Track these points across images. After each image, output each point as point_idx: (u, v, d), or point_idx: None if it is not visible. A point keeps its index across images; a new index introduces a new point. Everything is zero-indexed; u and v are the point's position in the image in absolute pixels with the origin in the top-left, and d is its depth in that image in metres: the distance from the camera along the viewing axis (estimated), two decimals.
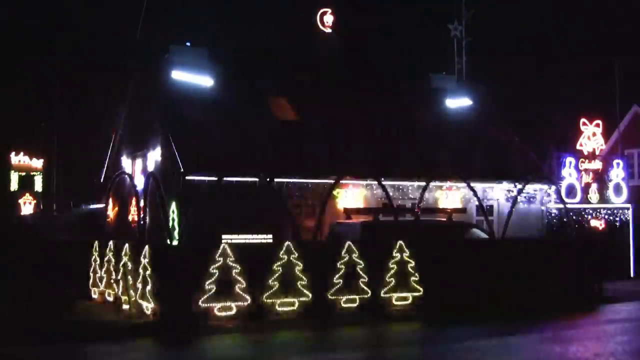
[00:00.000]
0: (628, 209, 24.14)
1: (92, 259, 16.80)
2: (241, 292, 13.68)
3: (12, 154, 44.54)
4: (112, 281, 15.51)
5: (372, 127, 23.76)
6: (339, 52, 25.67)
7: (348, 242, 14.89)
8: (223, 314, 13.60)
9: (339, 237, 17.37)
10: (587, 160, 23.92)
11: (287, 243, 14.35)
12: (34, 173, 44.75)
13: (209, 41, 22.62)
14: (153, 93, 22.07)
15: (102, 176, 26.83)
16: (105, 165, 26.60)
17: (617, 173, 24.32)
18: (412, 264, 15.39)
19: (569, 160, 23.49)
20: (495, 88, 30.42)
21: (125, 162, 25.08)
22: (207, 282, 13.43)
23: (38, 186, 44.66)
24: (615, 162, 24.65)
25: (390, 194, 16.79)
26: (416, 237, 15.74)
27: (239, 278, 13.65)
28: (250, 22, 25.29)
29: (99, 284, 16.36)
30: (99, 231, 19.05)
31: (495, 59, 35.51)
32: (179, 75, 21.92)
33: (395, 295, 15.23)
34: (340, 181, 16.61)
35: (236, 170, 16.41)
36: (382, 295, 15.09)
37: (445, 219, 18.65)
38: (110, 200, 21.80)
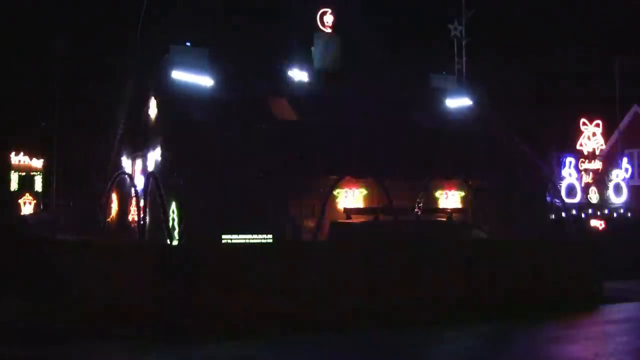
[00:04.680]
0: (628, 208, 24.14)
1: (92, 259, 16.77)
2: (241, 293, 13.66)
3: (12, 154, 44.51)
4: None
5: (372, 127, 23.75)
6: (338, 51, 25.67)
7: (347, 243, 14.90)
8: (223, 314, 13.57)
9: (338, 237, 17.39)
10: (587, 160, 23.93)
11: (287, 243, 14.36)
12: (34, 173, 44.71)
13: (209, 41, 22.63)
14: (153, 93, 22.06)
15: (102, 176, 26.82)
16: (105, 165, 26.60)
17: (617, 173, 24.32)
18: (412, 264, 15.37)
19: (569, 160, 23.50)
20: (496, 88, 30.45)
21: (125, 162, 25.09)
22: (207, 282, 13.42)
23: (38, 186, 44.62)
24: (615, 162, 24.68)
25: (390, 194, 16.77)
26: (416, 238, 15.75)
27: (239, 278, 13.63)
28: (250, 21, 25.31)
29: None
30: (99, 231, 19.02)
31: (495, 59, 35.52)
32: (179, 75, 21.93)
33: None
34: (340, 181, 16.59)
35: (236, 170, 16.40)
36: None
37: (445, 219, 18.65)
38: (110, 200, 21.80)
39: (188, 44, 23.51)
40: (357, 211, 18.79)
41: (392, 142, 23.51)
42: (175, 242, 14.70)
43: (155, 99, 21.64)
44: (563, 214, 19.94)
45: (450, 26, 28.44)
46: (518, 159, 24.87)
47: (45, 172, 42.28)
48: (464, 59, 28.39)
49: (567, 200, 21.27)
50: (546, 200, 24.32)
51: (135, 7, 24.63)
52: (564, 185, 22.95)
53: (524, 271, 16.94)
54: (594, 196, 23.63)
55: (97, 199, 27.10)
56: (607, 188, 24.01)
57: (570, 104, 33.62)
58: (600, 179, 24.04)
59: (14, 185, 43.95)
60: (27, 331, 13.15)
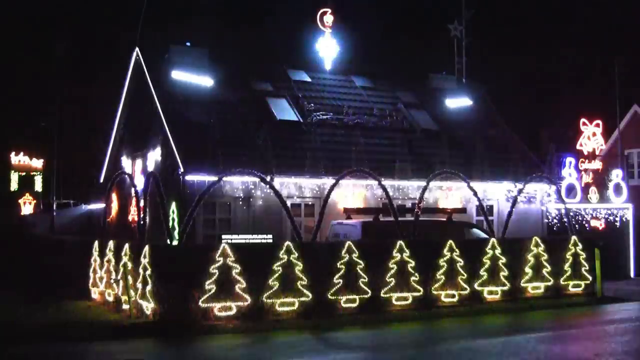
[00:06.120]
0: (628, 209, 24.13)
1: (92, 259, 16.80)
2: (241, 292, 13.67)
3: (12, 154, 44.54)
4: (112, 281, 15.50)
5: (372, 127, 23.77)
6: (338, 51, 25.69)
7: (348, 242, 14.89)
8: (223, 314, 13.59)
9: (339, 237, 17.38)
10: (587, 160, 23.90)
11: (287, 243, 14.37)
12: (34, 173, 44.76)
13: (209, 41, 22.64)
14: (153, 93, 22.04)
15: (102, 176, 26.82)
16: (105, 165, 26.59)
17: (617, 173, 24.30)
18: (412, 264, 15.38)
19: (569, 160, 23.46)
20: (496, 88, 30.46)
21: (125, 162, 25.08)
22: (206, 282, 13.42)
23: (38, 186, 44.67)
24: (615, 162, 24.68)
25: (390, 194, 16.78)
26: (416, 237, 15.75)
27: (239, 278, 13.64)
28: (250, 22, 25.31)
29: (99, 284, 16.35)
30: (99, 231, 19.04)
31: (495, 59, 35.54)
32: (179, 75, 21.92)
33: (395, 295, 15.23)
34: (340, 181, 16.61)
35: (236, 170, 16.39)
36: (382, 295, 15.09)
37: (445, 219, 18.64)
38: (110, 200, 21.80)
39: (188, 44, 23.51)
40: (357, 211, 18.77)
41: (393, 142, 23.54)
42: (175, 242, 14.68)
43: (155, 99, 21.62)
44: (563, 214, 19.92)
45: (450, 26, 28.44)
46: (518, 159, 24.87)
47: (45, 172, 42.30)
48: (464, 59, 28.38)
49: (567, 200, 21.25)
50: (546, 200, 24.31)
51: (135, 7, 24.65)
52: (564, 185, 22.92)
53: (523, 270, 16.96)
54: (594, 196, 23.61)
55: (97, 199, 27.16)
56: (607, 188, 23.98)
57: (570, 104, 33.64)
58: (600, 179, 24.01)
59: (14, 185, 43.95)
60: (27, 330, 13.14)
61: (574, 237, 17.96)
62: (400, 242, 15.34)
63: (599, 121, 24.62)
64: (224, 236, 17.56)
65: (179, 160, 19.57)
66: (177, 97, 21.38)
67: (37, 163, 44.77)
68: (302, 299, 14.19)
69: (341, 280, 14.62)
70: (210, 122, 20.61)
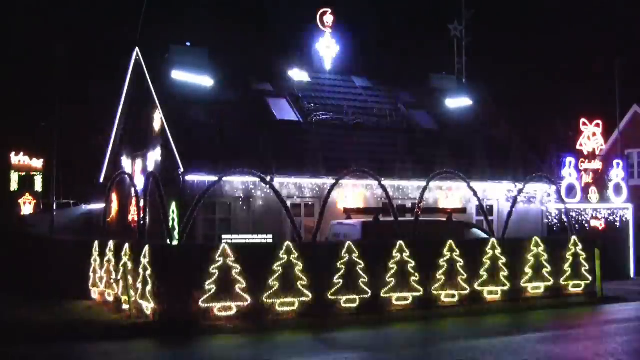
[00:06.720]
0: (628, 209, 24.13)
1: (92, 259, 16.80)
2: (241, 292, 13.66)
3: (12, 154, 44.54)
4: (112, 281, 15.51)
5: (372, 127, 23.78)
6: (338, 52, 25.68)
7: (348, 242, 14.88)
8: (223, 314, 13.58)
9: (339, 237, 17.38)
10: (587, 160, 23.91)
11: (287, 243, 14.36)
12: (34, 173, 44.78)
13: (209, 41, 22.64)
14: (153, 93, 22.04)
15: (102, 176, 26.83)
16: (105, 165, 26.59)
17: (617, 173, 24.30)
18: (412, 264, 15.37)
19: (569, 160, 23.48)
20: (495, 88, 30.46)
21: (125, 162, 25.08)
22: (207, 282, 13.41)
23: (38, 186, 44.69)
24: (615, 162, 24.64)
25: (390, 194, 16.77)
26: (416, 237, 15.73)
27: (239, 278, 13.63)
28: (250, 22, 25.32)
29: (99, 284, 16.35)
30: (99, 231, 19.04)
31: (495, 59, 35.54)
32: (179, 75, 21.93)
33: (395, 295, 15.22)
34: (340, 181, 16.60)
35: (236, 170, 16.38)
36: (382, 295, 15.08)
37: (445, 219, 18.63)
38: (110, 200, 21.80)
39: (188, 44, 23.52)
40: (357, 211, 18.77)
41: (392, 142, 23.54)
42: (175, 242, 14.67)
43: (155, 99, 21.63)
44: (563, 214, 19.92)
45: (450, 26, 28.48)
46: (518, 159, 24.86)
47: (45, 172, 42.33)
48: (464, 59, 28.41)
49: (567, 200, 21.25)
50: (546, 200, 24.31)
51: (135, 8, 24.65)
52: (564, 185, 22.93)
53: (523, 271, 16.95)
54: (594, 196, 23.62)
55: (97, 199, 27.15)
56: (607, 188, 23.99)
57: (570, 104, 33.64)
58: (600, 179, 24.03)
59: (14, 185, 43.98)
60: (27, 330, 13.15)
61: (574, 237, 17.95)
62: (400, 242, 15.32)
63: (599, 121, 24.63)
64: (224, 236, 17.57)
65: (178, 160, 19.56)
66: (177, 97, 21.38)
67: (37, 163, 44.78)
68: (302, 299, 14.17)
69: (341, 280, 14.60)
70: (210, 122, 20.61)
